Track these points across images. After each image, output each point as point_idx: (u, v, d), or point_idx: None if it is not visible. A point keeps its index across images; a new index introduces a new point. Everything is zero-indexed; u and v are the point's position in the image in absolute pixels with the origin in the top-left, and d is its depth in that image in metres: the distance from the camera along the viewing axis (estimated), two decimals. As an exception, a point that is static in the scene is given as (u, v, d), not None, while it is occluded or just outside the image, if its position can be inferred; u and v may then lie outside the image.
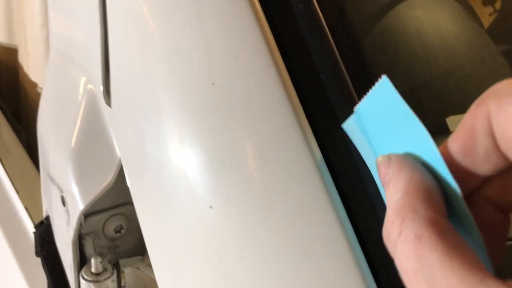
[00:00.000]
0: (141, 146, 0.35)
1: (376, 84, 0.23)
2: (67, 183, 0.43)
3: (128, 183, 0.38)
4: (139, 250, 0.53)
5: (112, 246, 0.51)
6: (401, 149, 0.22)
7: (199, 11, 0.32)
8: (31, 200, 0.74)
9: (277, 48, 0.31)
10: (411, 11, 0.47)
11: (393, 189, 0.20)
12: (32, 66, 0.98)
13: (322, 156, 0.29)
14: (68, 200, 0.43)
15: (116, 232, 0.50)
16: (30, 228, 0.72)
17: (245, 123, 0.30)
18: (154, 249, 0.37)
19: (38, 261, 0.69)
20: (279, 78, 0.30)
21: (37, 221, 0.73)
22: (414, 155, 0.21)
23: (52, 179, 0.46)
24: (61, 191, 0.44)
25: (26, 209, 0.73)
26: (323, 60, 0.31)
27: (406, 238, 0.18)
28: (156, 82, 0.33)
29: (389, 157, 0.22)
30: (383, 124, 0.24)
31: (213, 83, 0.31)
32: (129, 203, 0.50)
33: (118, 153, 0.40)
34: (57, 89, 0.46)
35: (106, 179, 0.41)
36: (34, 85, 0.99)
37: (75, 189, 0.42)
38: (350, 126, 0.27)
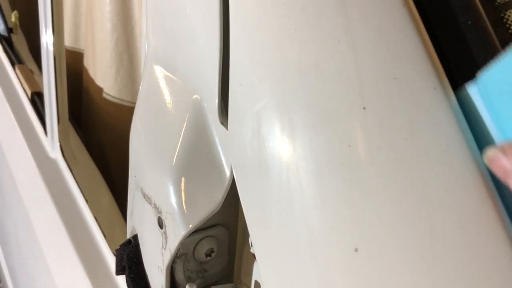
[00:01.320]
0: (263, 171, 0.32)
1: (506, 54, 0.20)
2: (169, 205, 0.40)
3: (244, 210, 0.34)
4: (226, 274, 0.49)
5: (201, 270, 0.47)
6: None
7: (349, 23, 0.28)
8: (99, 210, 0.72)
9: (442, 68, 0.27)
10: None
11: None
12: (99, 71, 0.97)
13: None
14: (167, 223, 0.40)
15: (207, 255, 0.46)
16: (99, 238, 0.70)
17: (404, 156, 0.26)
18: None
19: (107, 272, 0.67)
20: (448, 104, 0.26)
21: (106, 231, 0.71)
22: None
23: (148, 198, 0.43)
24: (159, 212, 0.41)
25: (96, 219, 0.71)
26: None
27: None
28: (287, 105, 0.30)
29: (503, 150, 0.20)
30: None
31: (364, 108, 0.27)
32: (221, 224, 0.47)
33: (227, 175, 0.37)
34: (156, 100, 0.43)
35: (213, 203, 0.38)
36: (100, 90, 0.98)
37: (177, 211, 0.39)
38: (471, 93, 0.24)
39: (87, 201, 0.73)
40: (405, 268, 0.26)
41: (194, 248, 0.46)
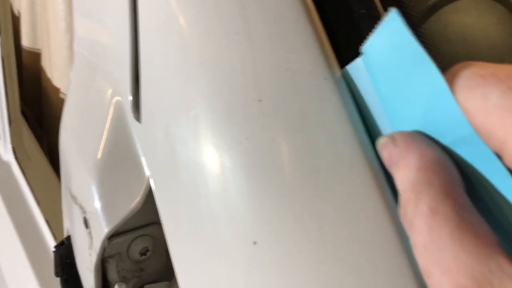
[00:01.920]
0: (174, 168, 0.31)
1: (384, 19, 0.20)
2: (91, 204, 0.39)
3: (159, 209, 0.34)
4: (165, 273, 0.49)
5: (137, 269, 0.47)
6: (411, 98, 0.20)
7: (245, 15, 0.28)
8: (52, 213, 0.71)
9: (336, 60, 0.27)
10: (455, 16, 0.43)
11: (404, 168, 0.19)
12: (55, 71, 0.96)
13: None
14: (91, 222, 0.40)
15: (141, 254, 0.46)
16: (51, 242, 0.69)
17: (297, 147, 0.26)
18: (187, 284, 0.33)
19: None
20: (338, 94, 0.26)
21: (58, 234, 0.70)
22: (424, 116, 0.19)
23: (74, 198, 0.42)
24: (84, 212, 0.40)
25: (47, 222, 0.70)
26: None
27: (421, 213, 0.17)
28: (193, 98, 0.29)
29: (393, 137, 0.20)
30: (392, 67, 0.21)
31: (259, 100, 0.27)
32: (155, 223, 0.47)
33: (147, 173, 0.36)
34: (81, 100, 0.43)
35: (133, 201, 0.37)
36: (57, 90, 0.96)
37: (99, 210, 0.39)
38: (356, 68, 0.24)
39: (38, 204, 0.72)
40: (300, 259, 0.25)
41: (128, 247, 0.45)
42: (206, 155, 0.29)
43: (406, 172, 0.19)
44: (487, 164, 0.18)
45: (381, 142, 0.21)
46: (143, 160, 0.36)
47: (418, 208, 0.17)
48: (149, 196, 0.37)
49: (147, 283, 0.47)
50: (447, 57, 0.41)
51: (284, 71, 0.27)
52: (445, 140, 0.19)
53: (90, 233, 0.40)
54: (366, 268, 0.24)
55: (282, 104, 0.26)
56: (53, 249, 0.48)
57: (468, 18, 0.44)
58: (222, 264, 0.29)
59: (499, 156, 0.17)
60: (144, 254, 0.46)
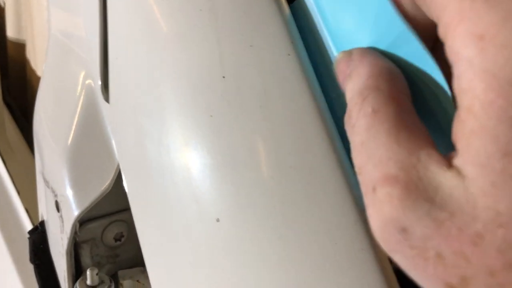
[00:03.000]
0: (140, 148, 0.31)
1: None
2: (62, 187, 0.39)
3: (126, 189, 0.34)
4: (141, 260, 0.48)
5: (112, 255, 0.47)
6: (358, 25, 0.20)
7: (209, -7, 0.28)
8: (33, 201, 0.70)
9: (299, 35, 0.26)
10: None
11: (356, 77, 0.19)
12: (39, 61, 0.95)
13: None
14: (62, 205, 0.39)
15: (116, 240, 0.46)
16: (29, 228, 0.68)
17: (260, 123, 0.26)
18: (153, 264, 0.33)
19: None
20: (301, 70, 0.26)
21: (36, 222, 0.69)
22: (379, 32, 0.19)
23: (46, 182, 0.42)
24: (55, 195, 0.40)
25: (27, 210, 0.69)
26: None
27: (364, 114, 0.17)
28: (158, 75, 0.29)
29: (350, 52, 0.20)
30: None
31: (223, 77, 0.27)
32: (130, 208, 0.46)
33: (117, 155, 0.36)
34: (55, 83, 0.42)
35: (103, 184, 0.37)
36: (41, 81, 0.96)
37: (69, 193, 0.38)
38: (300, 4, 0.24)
39: (19, 193, 0.72)
40: (262, 235, 0.25)
41: (102, 232, 0.45)
42: (171, 133, 0.29)
43: (357, 80, 0.19)
44: (423, 65, 0.18)
45: (338, 58, 0.21)
46: (114, 143, 0.36)
47: (362, 110, 0.17)
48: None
49: (122, 269, 0.46)
50: None
51: (247, 47, 0.26)
52: (384, 44, 0.20)
53: (61, 217, 0.40)
54: (325, 242, 0.24)
55: (246, 80, 0.26)
56: (27, 235, 0.48)
57: None
58: (186, 243, 0.28)
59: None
60: (119, 239, 0.46)
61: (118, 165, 0.37)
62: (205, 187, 0.27)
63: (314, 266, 0.24)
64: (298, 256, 0.24)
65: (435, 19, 0.16)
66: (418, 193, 0.14)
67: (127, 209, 0.46)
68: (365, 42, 0.21)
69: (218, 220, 0.27)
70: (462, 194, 0.14)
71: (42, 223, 0.46)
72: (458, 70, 0.14)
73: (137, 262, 0.48)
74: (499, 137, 0.13)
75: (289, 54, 0.26)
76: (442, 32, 0.15)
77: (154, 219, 0.31)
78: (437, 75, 0.18)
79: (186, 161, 0.28)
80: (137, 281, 0.44)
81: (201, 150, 0.27)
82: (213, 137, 0.27)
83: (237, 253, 0.26)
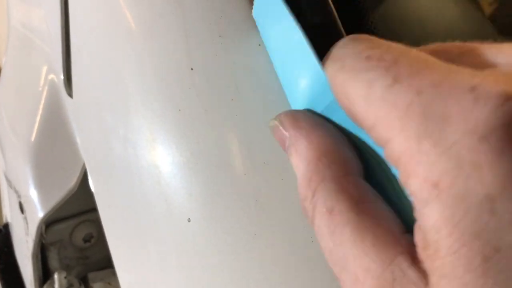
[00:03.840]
0: (106, 144, 0.29)
1: None
2: (25, 187, 0.37)
3: (92, 188, 0.32)
4: (111, 260, 0.47)
5: (81, 257, 0.45)
6: (285, 56, 0.20)
7: (175, -20, 0.26)
8: None
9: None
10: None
11: (296, 157, 0.18)
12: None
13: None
14: (26, 207, 0.38)
15: (85, 241, 0.44)
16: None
17: (231, 118, 0.24)
18: (122, 266, 0.31)
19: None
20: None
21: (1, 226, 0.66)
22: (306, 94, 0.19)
23: (9, 182, 0.40)
24: (19, 196, 0.38)
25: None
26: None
27: (320, 214, 0.17)
28: (122, 67, 0.27)
29: (280, 120, 0.19)
30: (272, 22, 0.21)
31: (192, 69, 0.25)
32: (100, 208, 0.45)
33: (82, 155, 0.34)
34: (15, 77, 0.40)
35: (69, 183, 0.35)
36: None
37: (33, 193, 0.36)
38: (258, 12, 0.23)
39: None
40: (236, 235, 0.24)
41: (71, 234, 0.43)
42: (137, 129, 0.27)
43: (298, 162, 0.18)
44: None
45: (270, 125, 0.20)
46: (78, 140, 0.34)
47: (317, 208, 0.17)
48: (89, 179, 0.35)
49: (92, 271, 0.45)
50: (404, 39, 0.40)
51: (216, 37, 0.25)
52: (319, 108, 0.19)
53: (25, 218, 0.38)
54: (302, 240, 0.23)
55: (216, 72, 0.25)
56: (-8, 238, 0.45)
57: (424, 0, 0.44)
58: (156, 244, 0.27)
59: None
60: (88, 240, 0.44)
61: (84, 164, 0.35)
62: (174, 185, 0.26)
63: (291, 265, 0.23)
64: (275, 255, 0.23)
65: (381, 142, 0.15)
66: None
67: (96, 209, 0.44)
68: (297, 94, 0.20)
69: (189, 220, 0.25)
70: None
71: (6, 226, 0.44)
72: (420, 209, 0.14)
73: (108, 263, 0.46)
74: (467, 285, 0.13)
75: (259, 44, 0.25)
76: (390, 158, 0.15)
77: (121, 219, 0.30)
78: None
79: (153, 158, 0.26)
80: (108, 283, 0.43)
81: (169, 147, 0.26)
82: (182, 133, 0.25)
83: (210, 254, 0.25)
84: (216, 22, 0.25)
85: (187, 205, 0.25)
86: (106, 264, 0.46)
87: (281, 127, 0.19)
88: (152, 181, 0.27)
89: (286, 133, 0.19)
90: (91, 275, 0.43)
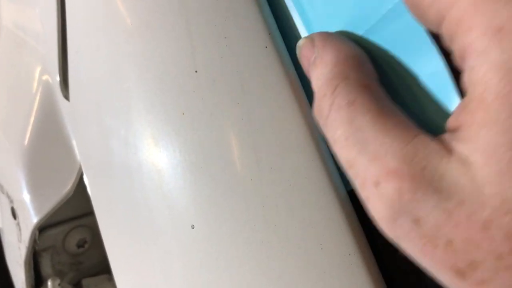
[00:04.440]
0: (105, 148, 0.29)
1: None
2: (18, 191, 0.36)
3: (90, 193, 0.31)
4: (106, 266, 0.46)
5: (74, 262, 0.44)
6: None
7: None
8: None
9: (276, 26, 0.25)
10: None
11: (321, 65, 0.18)
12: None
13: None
14: (19, 212, 0.36)
15: (79, 246, 0.43)
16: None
17: (237, 122, 0.24)
18: (121, 273, 0.30)
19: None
20: (280, 64, 0.24)
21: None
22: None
23: (0, 187, 0.39)
24: (11, 201, 0.37)
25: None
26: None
27: (338, 106, 0.17)
28: (124, 70, 0.27)
29: (311, 37, 0.20)
30: None
31: (196, 71, 0.25)
32: (93, 212, 0.44)
33: (79, 156, 0.33)
34: (8, 78, 0.39)
35: (65, 188, 0.34)
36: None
37: (27, 199, 0.35)
38: None
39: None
40: (242, 241, 0.23)
41: (64, 239, 0.42)
42: (139, 133, 0.26)
43: (322, 69, 0.18)
44: (411, 42, 0.17)
45: (300, 44, 0.20)
46: (74, 143, 0.33)
47: (336, 102, 0.17)
48: (85, 184, 0.34)
49: (86, 277, 0.44)
50: None
51: (221, 39, 0.24)
52: (365, 25, 0.19)
53: (18, 224, 0.37)
54: (310, 247, 0.22)
55: (221, 75, 0.24)
56: (-18, 244, 0.44)
57: None
58: (158, 250, 0.26)
59: (434, 36, 0.16)
60: (82, 246, 0.43)
61: (80, 167, 0.34)
62: (177, 191, 0.25)
63: (299, 271, 0.22)
64: (282, 262, 0.22)
65: (439, 17, 0.15)
66: (425, 184, 0.14)
67: (90, 213, 0.43)
68: (339, 25, 0.20)
69: (193, 227, 0.25)
70: (469, 182, 0.14)
71: (-4, 231, 0.43)
72: (472, 62, 0.14)
73: (102, 268, 0.45)
74: (510, 129, 0.13)
75: (266, 47, 0.24)
76: (449, 28, 0.15)
77: (121, 225, 0.29)
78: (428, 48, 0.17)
79: (155, 163, 0.26)
80: (103, 289, 0.42)
81: (172, 151, 0.25)
82: (185, 137, 0.25)
83: (215, 262, 0.24)
84: (222, 23, 0.25)
85: (191, 212, 0.25)
86: (99, 269, 0.45)
87: (310, 44, 0.19)
88: (154, 186, 0.26)
89: (314, 48, 0.19)
90: (85, 282, 0.42)
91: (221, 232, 0.24)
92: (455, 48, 0.15)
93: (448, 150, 0.15)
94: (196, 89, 0.25)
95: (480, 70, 0.13)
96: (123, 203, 0.28)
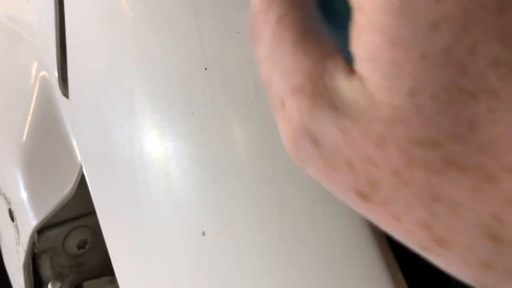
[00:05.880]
0: (108, 150, 0.27)
1: None
2: (16, 193, 0.34)
3: (92, 194, 0.30)
4: (107, 268, 0.44)
5: (75, 264, 0.42)
6: None
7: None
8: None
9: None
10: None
11: None
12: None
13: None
14: (17, 214, 0.35)
15: (79, 248, 0.41)
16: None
17: (251, 123, 0.22)
18: (126, 281, 0.29)
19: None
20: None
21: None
22: None
23: (-3, 187, 0.37)
24: (9, 203, 0.35)
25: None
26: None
27: (268, 23, 0.16)
28: (127, 66, 0.25)
29: None
30: None
31: (206, 68, 0.23)
32: (94, 212, 0.42)
33: (79, 156, 0.32)
34: (2, 74, 0.37)
35: (64, 188, 0.33)
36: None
37: (25, 200, 0.34)
38: None
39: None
40: (257, 250, 0.22)
41: (64, 240, 0.40)
42: (144, 134, 0.25)
43: None
44: None
45: None
46: (74, 143, 0.32)
47: (267, 19, 0.16)
48: (84, 183, 0.32)
49: (87, 279, 0.42)
50: None
51: (233, 34, 0.23)
52: None
53: (16, 227, 0.35)
54: (332, 257, 0.21)
55: (232, 72, 0.23)
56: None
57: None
58: (166, 256, 0.25)
59: None
60: (83, 247, 0.42)
61: (81, 167, 0.32)
62: (187, 195, 0.24)
63: (319, 284, 0.21)
64: (300, 274, 0.21)
65: None
66: (324, 102, 0.14)
67: (90, 213, 0.41)
68: None
69: (203, 234, 0.23)
70: (362, 96, 0.13)
71: (-6, 233, 0.41)
72: None
73: (103, 270, 0.44)
74: (385, 29, 0.12)
75: (282, 42, 0.23)
76: None
77: (125, 229, 0.28)
78: None
79: (163, 167, 0.24)
80: (105, 292, 0.41)
81: (181, 154, 0.24)
82: (195, 139, 0.23)
83: (228, 271, 0.23)
84: (233, 17, 0.23)
85: (202, 217, 0.23)
86: (100, 270, 0.44)
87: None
88: (162, 190, 0.24)
89: None
90: (86, 284, 0.40)
91: (234, 240, 0.23)
92: None
93: (353, 70, 0.14)
94: (206, 87, 0.23)
95: None
96: (128, 206, 0.27)
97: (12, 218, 0.36)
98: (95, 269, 0.43)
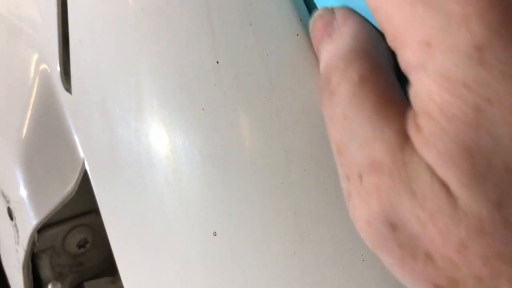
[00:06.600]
0: (113, 146, 0.26)
1: None
2: (15, 191, 0.33)
3: (95, 192, 0.29)
4: (108, 267, 0.43)
5: (75, 264, 0.41)
6: None
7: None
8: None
9: (308, 12, 0.22)
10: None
11: (338, 38, 0.17)
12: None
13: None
14: (16, 213, 0.34)
15: (79, 247, 0.40)
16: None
17: (265, 119, 0.21)
18: (132, 281, 0.28)
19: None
20: (313, 53, 0.21)
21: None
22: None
23: (-5, 185, 0.36)
24: (8, 201, 0.34)
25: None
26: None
27: (348, 79, 0.15)
28: (134, 60, 0.24)
29: (331, 10, 0.19)
30: None
31: (217, 62, 0.22)
32: (94, 210, 0.41)
33: (82, 154, 0.31)
34: (1, 68, 0.36)
35: (66, 186, 0.32)
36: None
37: (25, 198, 0.33)
38: None
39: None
40: (272, 251, 0.21)
41: (64, 239, 0.39)
42: (151, 131, 0.24)
43: (339, 41, 0.17)
44: None
45: (316, 15, 0.19)
46: (77, 139, 0.31)
47: (346, 75, 0.16)
48: (87, 180, 0.31)
49: (87, 279, 0.41)
50: None
51: (246, 25, 0.22)
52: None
53: (15, 226, 0.34)
54: (350, 259, 0.20)
55: (245, 66, 0.22)
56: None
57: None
58: (174, 258, 0.24)
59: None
60: (83, 246, 0.41)
61: (83, 164, 0.31)
62: (197, 195, 0.23)
63: (338, 286, 0.20)
64: (318, 276, 0.20)
65: (384, 30, 0.15)
66: (402, 186, 0.13)
67: (91, 211, 0.40)
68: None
69: (215, 234, 0.22)
70: (444, 195, 0.12)
71: (-9, 232, 0.40)
72: (413, 77, 0.13)
73: (104, 269, 0.43)
74: (462, 139, 0.12)
75: (297, 34, 0.22)
76: (390, 43, 0.14)
77: (131, 228, 0.27)
78: None
79: (172, 165, 0.23)
80: (107, 293, 0.40)
81: (191, 151, 0.23)
82: (206, 135, 0.22)
83: (241, 274, 0.22)
84: (246, 8, 0.22)
85: (213, 217, 0.22)
86: (101, 270, 0.43)
87: (329, 14, 0.18)
88: (171, 189, 0.23)
89: (334, 20, 0.18)
90: (87, 285, 0.39)
91: (247, 241, 0.22)
92: (399, 61, 0.14)
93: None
94: (218, 82, 0.22)
95: (421, 84, 0.13)
96: (134, 204, 0.26)
97: (11, 217, 0.35)
98: (96, 269, 0.42)
